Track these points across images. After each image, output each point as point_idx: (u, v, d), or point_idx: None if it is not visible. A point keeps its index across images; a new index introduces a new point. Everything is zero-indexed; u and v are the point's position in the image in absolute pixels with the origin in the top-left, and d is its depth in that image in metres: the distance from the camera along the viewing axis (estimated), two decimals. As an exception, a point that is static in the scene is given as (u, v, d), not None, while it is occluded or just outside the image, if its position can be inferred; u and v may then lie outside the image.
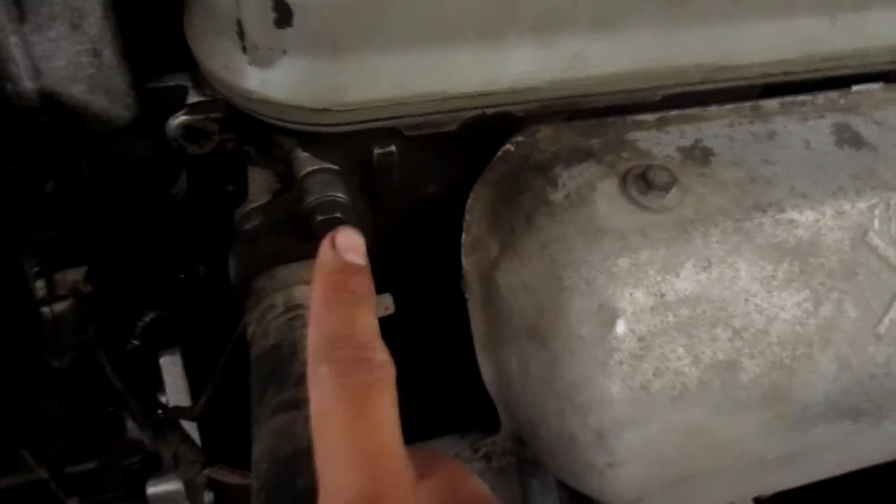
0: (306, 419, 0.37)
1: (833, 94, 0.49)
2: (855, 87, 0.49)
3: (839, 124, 0.48)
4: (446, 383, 0.56)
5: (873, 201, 0.45)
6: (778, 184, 0.45)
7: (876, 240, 0.45)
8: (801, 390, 0.45)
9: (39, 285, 0.48)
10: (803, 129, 0.48)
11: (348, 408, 0.29)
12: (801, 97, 0.49)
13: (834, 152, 0.47)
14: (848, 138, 0.47)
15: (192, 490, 0.57)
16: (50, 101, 0.38)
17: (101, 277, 0.50)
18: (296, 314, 0.41)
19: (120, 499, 0.55)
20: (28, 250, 0.49)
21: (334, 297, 0.31)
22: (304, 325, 0.40)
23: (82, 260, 0.50)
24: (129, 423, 0.60)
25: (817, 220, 0.44)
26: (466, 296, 0.48)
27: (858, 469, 0.60)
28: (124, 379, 0.50)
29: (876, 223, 0.45)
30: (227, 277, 0.49)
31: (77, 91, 0.39)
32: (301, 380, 0.39)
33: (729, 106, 0.48)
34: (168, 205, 0.53)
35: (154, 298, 0.58)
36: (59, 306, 0.48)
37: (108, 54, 0.40)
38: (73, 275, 0.49)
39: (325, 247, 0.32)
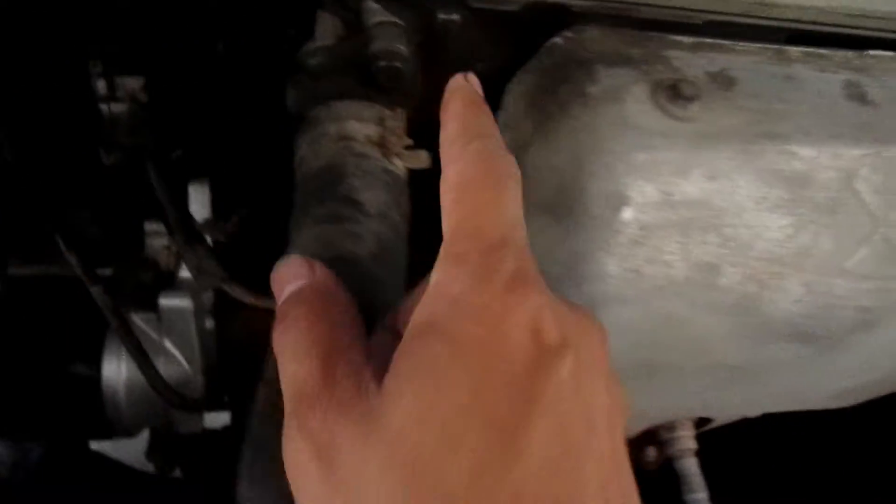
0: (347, 233, 0.42)
1: (850, 54, 0.54)
2: (870, 52, 0.54)
3: (850, 81, 0.53)
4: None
5: (866, 151, 0.50)
6: (787, 119, 0.50)
7: (861, 186, 0.50)
8: (768, 305, 0.51)
9: (101, 85, 0.52)
10: (818, 78, 0.53)
11: (487, 177, 0.34)
12: (821, 50, 0.54)
13: (841, 104, 0.52)
14: (855, 94, 0.52)
15: (199, 310, 0.61)
16: None
17: (158, 94, 0.54)
18: (347, 143, 0.45)
19: (133, 303, 0.60)
20: (94, 53, 0.52)
21: (473, 108, 0.37)
22: (354, 155, 0.45)
23: (142, 72, 0.53)
24: (147, 242, 0.64)
25: (814, 158, 0.49)
26: (491, 170, 0.53)
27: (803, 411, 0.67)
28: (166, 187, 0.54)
29: (864, 171, 0.50)
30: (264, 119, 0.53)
31: None
32: (345, 200, 0.43)
33: (757, 45, 0.53)
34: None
35: (193, 129, 0.61)
36: (117, 107, 0.52)
37: None
38: (133, 82, 0.53)
39: (458, 76, 0.39)
